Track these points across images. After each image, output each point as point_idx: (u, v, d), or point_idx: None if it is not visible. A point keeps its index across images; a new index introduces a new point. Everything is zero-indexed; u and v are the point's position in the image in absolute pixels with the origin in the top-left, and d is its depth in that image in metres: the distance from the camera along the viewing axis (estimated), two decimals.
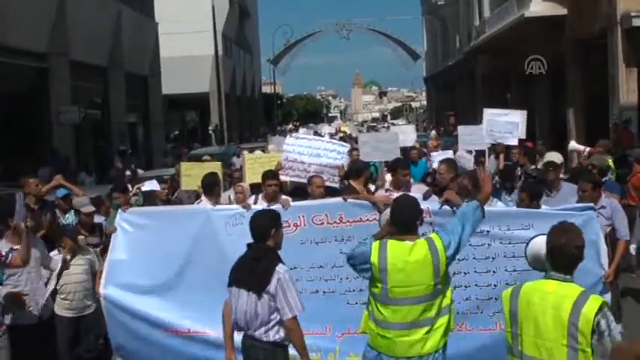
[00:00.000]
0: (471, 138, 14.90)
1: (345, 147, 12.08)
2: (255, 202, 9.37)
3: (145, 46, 37.99)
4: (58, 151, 25.60)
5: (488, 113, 14.59)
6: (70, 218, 10.39)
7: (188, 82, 49.47)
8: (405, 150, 16.67)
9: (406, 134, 17.85)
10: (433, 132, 38.41)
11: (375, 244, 6.01)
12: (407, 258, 5.84)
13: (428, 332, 5.88)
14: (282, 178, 10.83)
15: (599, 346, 4.66)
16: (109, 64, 32.61)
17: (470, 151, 15.14)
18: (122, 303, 8.62)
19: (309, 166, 10.99)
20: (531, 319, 4.93)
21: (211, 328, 8.53)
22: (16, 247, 8.01)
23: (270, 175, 9.83)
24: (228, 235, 8.52)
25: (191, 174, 11.09)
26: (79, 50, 28.02)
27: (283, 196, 9.42)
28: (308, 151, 11.17)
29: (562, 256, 4.94)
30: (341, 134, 34.13)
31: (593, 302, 4.74)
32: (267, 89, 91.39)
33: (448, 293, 6.04)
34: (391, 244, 5.96)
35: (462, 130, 15.78)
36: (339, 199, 8.66)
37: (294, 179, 11.16)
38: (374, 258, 5.92)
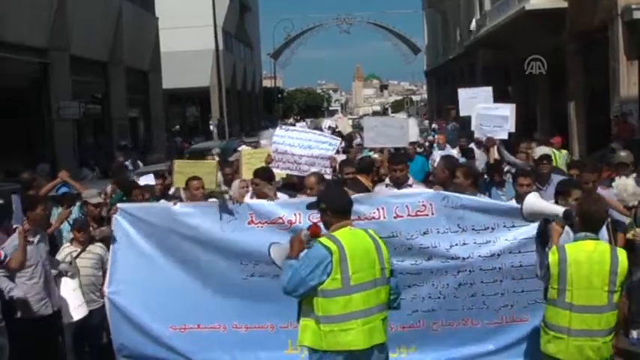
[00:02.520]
0: (473, 101, 14.62)
1: (337, 139, 11.82)
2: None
3: (145, 41, 37.96)
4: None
5: (478, 107, 14.46)
6: (74, 214, 10.40)
7: (189, 77, 49.49)
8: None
9: (409, 128, 17.34)
10: (434, 125, 38.33)
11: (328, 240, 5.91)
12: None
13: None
14: (274, 171, 10.69)
15: (627, 283, 6.21)
16: (110, 59, 32.57)
17: (479, 145, 14.96)
18: (126, 301, 8.63)
19: (299, 157, 10.78)
20: (583, 276, 5.98)
21: (219, 322, 8.60)
22: (31, 239, 8.08)
23: (257, 174, 9.80)
24: (222, 231, 8.52)
25: (184, 172, 10.91)
26: (80, 45, 28.00)
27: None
28: (298, 142, 10.92)
29: (595, 220, 6.16)
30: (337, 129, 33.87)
31: (623, 252, 6.16)
32: (267, 83, 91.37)
33: None
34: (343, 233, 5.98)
35: (462, 93, 15.30)
36: None
37: (284, 171, 10.98)
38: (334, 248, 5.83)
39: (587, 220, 6.12)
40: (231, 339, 8.57)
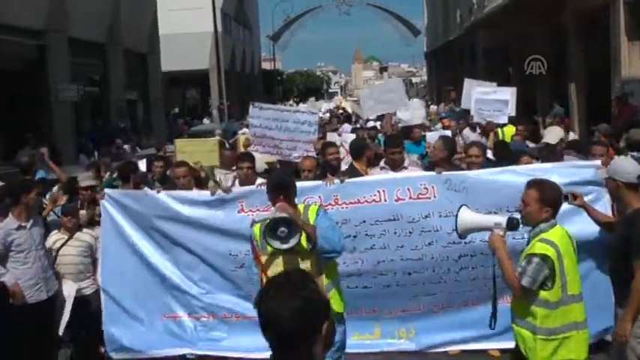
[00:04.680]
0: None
1: (315, 114, 11.36)
2: (233, 185, 9.14)
3: (143, 23, 37.79)
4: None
5: (477, 91, 14.35)
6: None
7: (188, 59, 49.34)
8: (410, 128, 16.34)
9: (414, 110, 17.08)
10: (433, 107, 38.20)
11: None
12: None
13: None
14: (255, 155, 10.37)
15: None
16: (108, 41, 32.44)
17: (474, 129, 14.84)
18: (117, 290, 8.51)
19: (280, 142, 10.48)
20: (572, 263, 5.68)
21: (208, 312, 8.51)
22: (24, 223, 7.88)
23: (243, 156, 9.53)
24: (210, 221, 8.34)
25: (186, 151, 10.79)
26: (78, 27, 27.87)
27: (259, 179, 8.97)
28: (276, 124, 10.54)
29: (560, 206, 5.87)
30: (341, 111, 33.66)
31: (568, 231, 5.87)
32: (266, 65, 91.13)
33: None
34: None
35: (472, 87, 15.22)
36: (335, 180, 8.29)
37: (265, 155, 10.77)
38: None
39: (557, 207, 5.81)
40: (222, 328, 8.49)
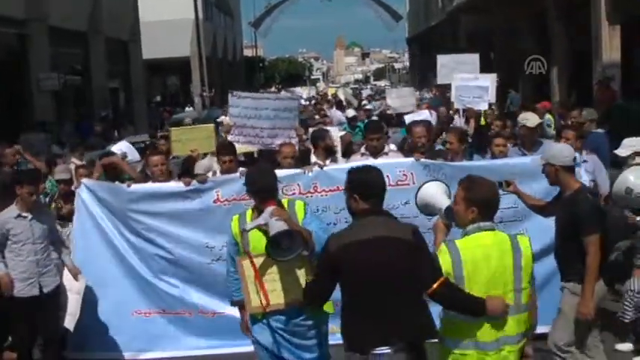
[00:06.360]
0: (458, 68, 14.81)
1: (295, 100, 11.12)
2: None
3: (124, 11, 37.53)
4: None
5: (457, 78, 14.42)
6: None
7: (169, 47, 49.02)
8: (400, 115, 16.47)
9: (404, 98, 17.24)
10: (417, 93, 38.15)
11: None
12: None
13: None
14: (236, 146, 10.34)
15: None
16: (89, 29, 32.22)
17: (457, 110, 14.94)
18: (87, 284, 8.22)
19: (261, 130, 10.31)
20: (481, 277, 4.91)
21: (183, 308, 8.36)
22: (24, 214, 7.68)
23: (225, 148, 9.17)
24: (185, 212, 8.24)
25: (181, 139, 10.61)
26: (58, 15, 27.64)
27: (241, 169, 8.71)
28: (256, 113, 10.31)
29: (493, 207, 5.10)
30: (329, 98, 33.18)
31: (524, 239, 5.08)
32: (248, 52, 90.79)
33: None
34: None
35: (442, 60, 15.51)
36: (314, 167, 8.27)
37: (245, 145, 10.51)
38: None
39: (487, 207, 5.07)
40: (198, 324, 8.37)
